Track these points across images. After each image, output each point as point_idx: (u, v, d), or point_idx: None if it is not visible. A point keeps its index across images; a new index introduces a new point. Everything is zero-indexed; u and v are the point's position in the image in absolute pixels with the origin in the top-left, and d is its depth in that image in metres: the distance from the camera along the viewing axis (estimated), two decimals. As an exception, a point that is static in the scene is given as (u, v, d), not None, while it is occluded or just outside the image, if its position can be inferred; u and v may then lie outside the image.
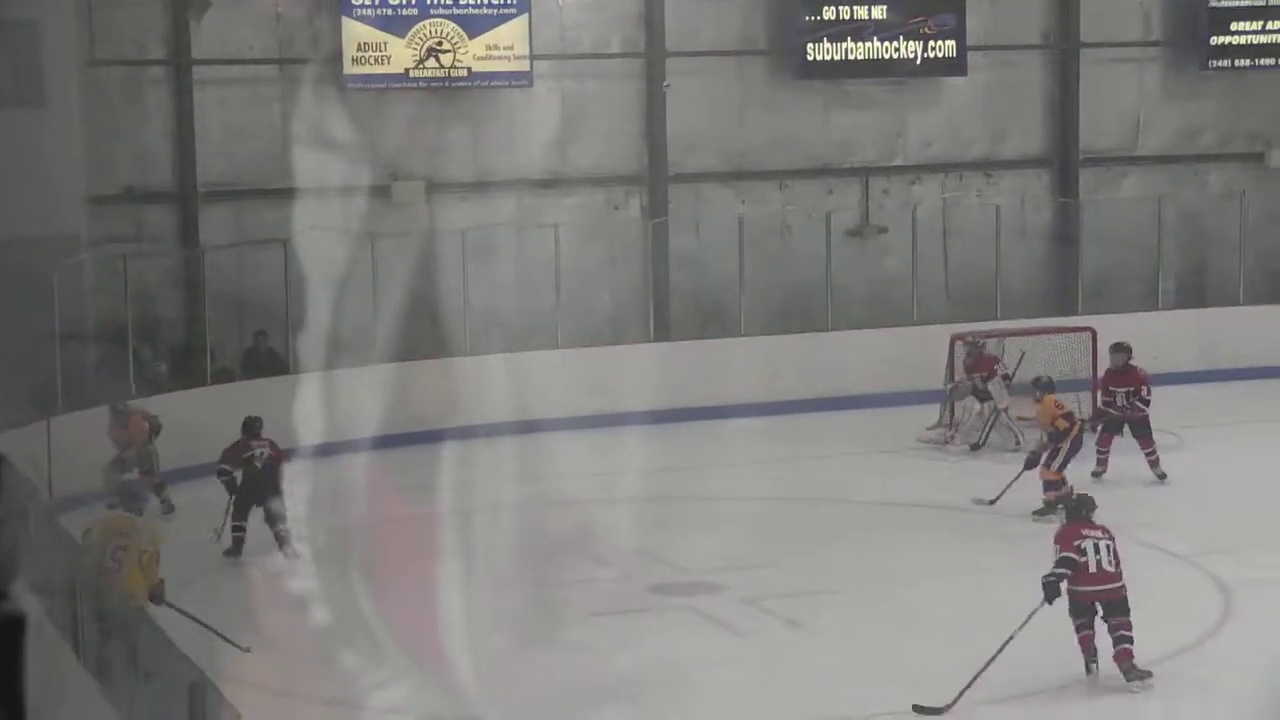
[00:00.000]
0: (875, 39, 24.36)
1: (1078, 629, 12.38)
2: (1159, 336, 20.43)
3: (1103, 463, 18.30)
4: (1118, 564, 12.38)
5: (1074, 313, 24.17)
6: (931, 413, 21.20)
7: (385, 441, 18.68)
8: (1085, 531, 12.49)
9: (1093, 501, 12.86)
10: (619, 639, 13.42)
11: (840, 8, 24.21)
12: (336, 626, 13.41)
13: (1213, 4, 25.73)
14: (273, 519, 15.85)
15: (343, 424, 19.69)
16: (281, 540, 15.76)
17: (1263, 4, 25.88)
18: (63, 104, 19.98)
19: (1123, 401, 18.55)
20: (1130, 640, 12.35)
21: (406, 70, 22.53)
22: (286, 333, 21.03)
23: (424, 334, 21.54)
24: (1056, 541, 12.47)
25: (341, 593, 13.70)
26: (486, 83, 22.94)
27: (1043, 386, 17.73)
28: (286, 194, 22.05)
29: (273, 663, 12.99)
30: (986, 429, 20.38)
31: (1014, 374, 20.71)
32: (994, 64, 25.37)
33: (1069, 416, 17.34)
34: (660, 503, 17.73)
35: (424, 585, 13.95)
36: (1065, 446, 17.04)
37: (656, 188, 24.06)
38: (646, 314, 23.41)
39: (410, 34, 22.50)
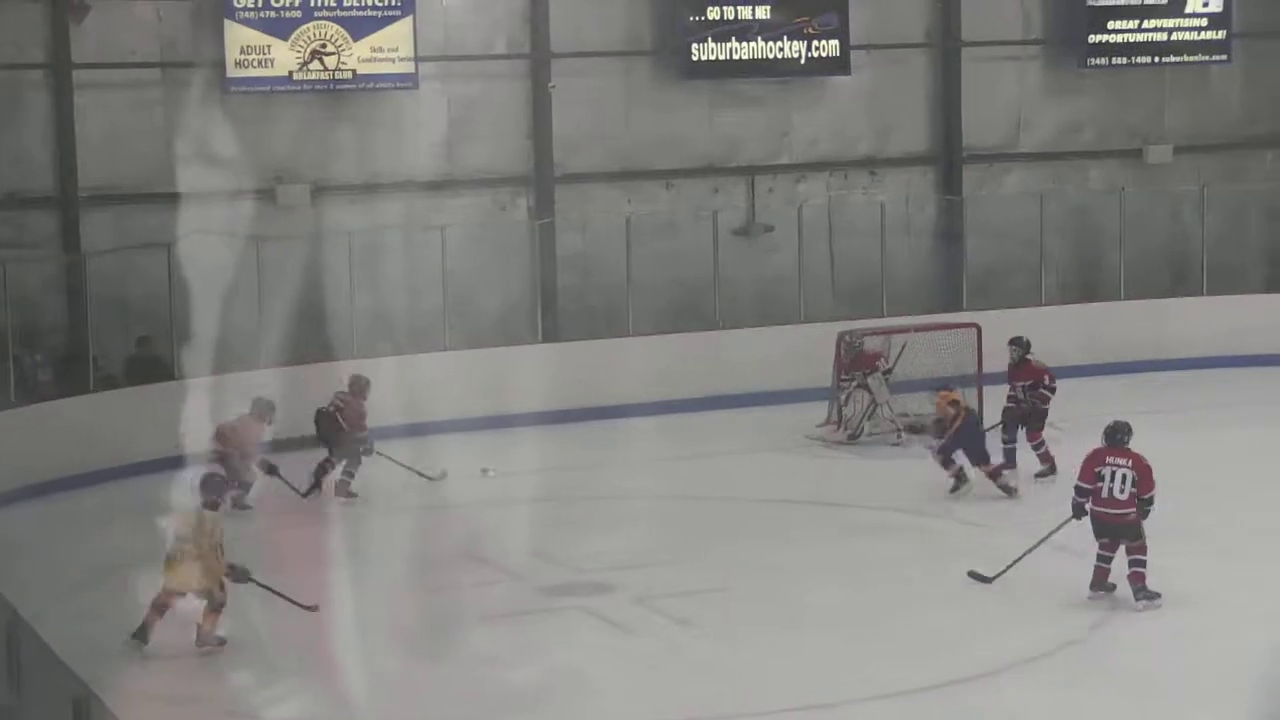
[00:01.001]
0: (759, 39, 24.47)
1: (1098, 551, 13.91)
2: (1043, 331, 20.57)
3: (1044, 455, 18.58)
4: (1130, 493, 13.75)
5: (959, 308, 24.40)
6: (820, 410, 21.35)
7: (273, 447, 18.53)
8: (1109, 459, 13.92)
9: (1128, 427, 14.13)
10: (513, 644, 13.42)
11: (724, 8, 24.30)
12: (231, 636, 13.34)
13: (1091, 3, 26.04)
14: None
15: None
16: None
17: (1139, 3, 26.23)
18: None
19: (1022, 395, 18.82)
20: (1141, 564, 13.75)
21: (290, 73, 22.38)
22: (171, 338, 20.83)
23: (311, 338, 21.40)
24: (1084, 464, 13.99)
25: (234, 601, 13.60)
26: (371, 85, 22.84)
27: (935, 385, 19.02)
28: (170, 198, 21.87)
29: (163, 672, 12.91)
30: (861, 420, 20.58)
31: (893, 368, 20.91)
32: (877, 62, 25.55)
33: (954, 404, 18.00)
34: (552, 504, 17.74)
35: (316, 593, 13.90)
36: (952, 429, 17.78)
37: (543, 188, 24.05)
38: (535, 315, 23.40)
39: (293, 36, 22.36)
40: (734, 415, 21.54)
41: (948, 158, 26.03)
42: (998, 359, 20.30)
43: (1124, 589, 13.94)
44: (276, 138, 22.45)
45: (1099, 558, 14.05)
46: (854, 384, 20.88)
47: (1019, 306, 24.27)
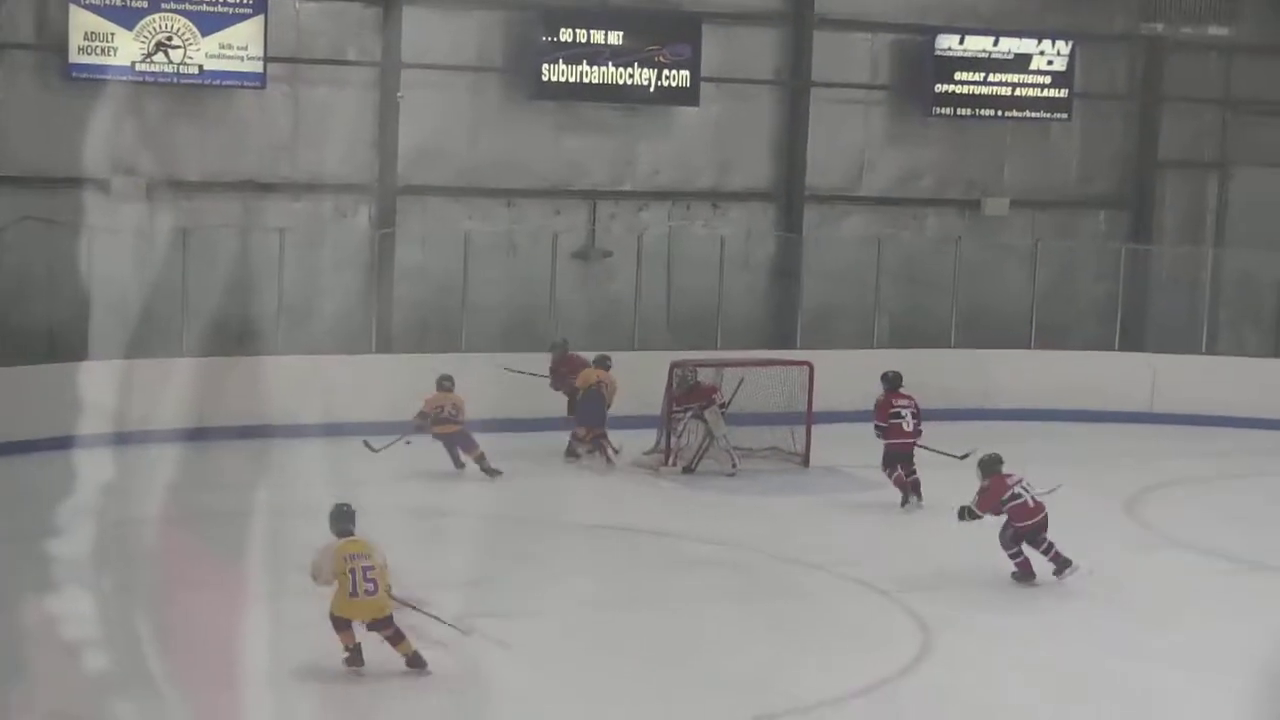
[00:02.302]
0: (610, 64, 24.53)
1: (1015, 555, 15.78)
2: (871, 374, 20.80)
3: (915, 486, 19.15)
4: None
5: (793, 346, 24.60)
6: (649, 437, 21.40)
7: (82, 441, 18.20)
8: (1010, 481, 15.85)
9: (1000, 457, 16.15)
10: (326, 653, 13.27)
11: (577, 31, 24.33)
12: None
13: (939, 53, 26.40)
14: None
15: (42, 421, 19.23)
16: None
17: (986, 57, 26.63)
18: None
19: (907, 426, 19.30)
20: (1054, 545, 15.82)
21: (133, 63, 22.06)
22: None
23: (138, 333, 21.05)
24: (984, 494, 15.88)
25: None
26: (217, 81, 22.57)
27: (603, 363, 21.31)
28: (1, 181, 21.49)
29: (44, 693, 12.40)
30: (699, 454, 20.69)
31: (730, 402, 21.04)
32: (726, 96, 25.71)
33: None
34: (369, 516, 17.56)
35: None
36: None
37: (385, 198, 23.91)
38: (370, 325, 23.23)
39: (139, 26, 22.04)
40: (560, 437, 21.49)
41: (789, 196, 26.23)
42: (829, 397, 20.47)
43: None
44: (115, 128, 22.09)
45: (1018, 555, 15.92)
46: (689, 415, 20.96)
47: (851, 348, 24.53)
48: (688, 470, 20.62)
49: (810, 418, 21.21)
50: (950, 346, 25.46)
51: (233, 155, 23.07)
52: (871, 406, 19.51)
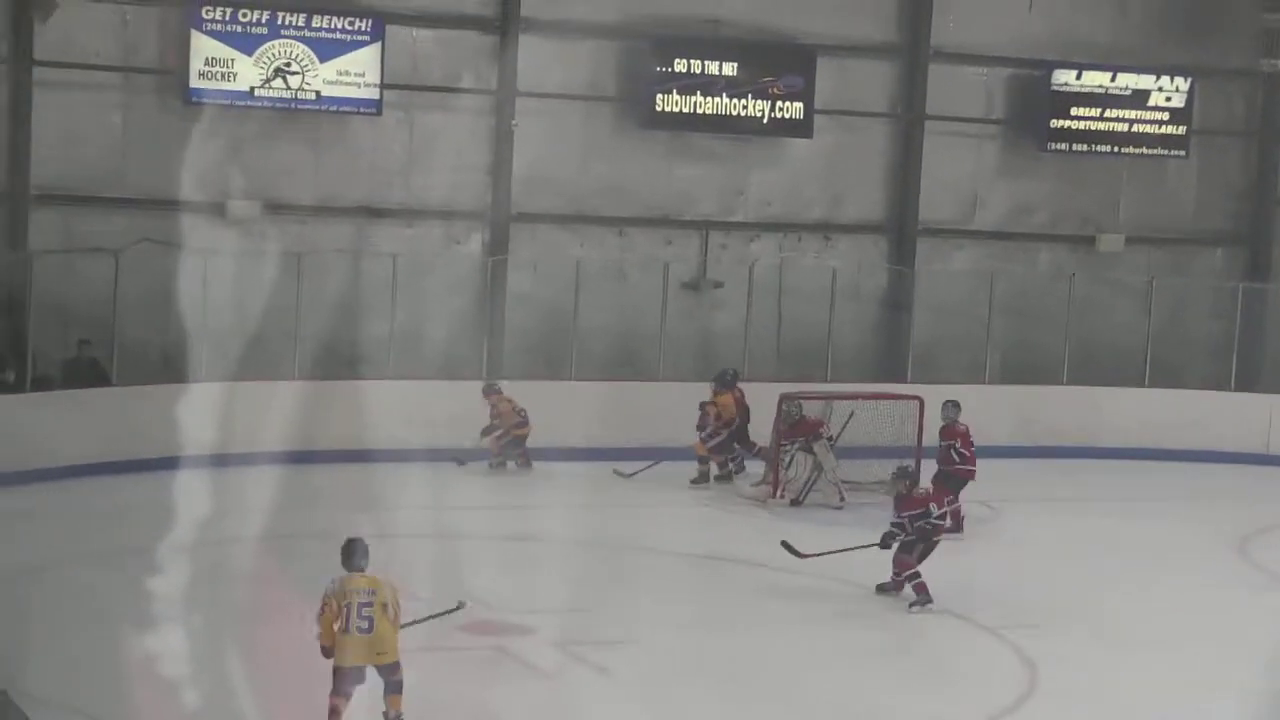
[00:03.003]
0: (724, 95, 24.55)
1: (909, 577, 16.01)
2: (981, 409, 20.68)
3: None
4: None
5: (903, 379, 24.47)
6: (758, 469, 21.35)
7: (207, 461, 18.42)
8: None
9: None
10: (429, 680, 13.30)
11: (691, 61, 24.38)
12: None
13: (1055, 88, 26.24)
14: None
15: (162, 440, 19.45)
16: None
17: (1103, 92, 26.43)
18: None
19: (954, 457, 19.10)
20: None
21: (252, 89, 22.32)
22: (112, 344, 20.70)
23: (252, 355, 21.25)
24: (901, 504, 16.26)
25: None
26: (334, 107, 22.79)
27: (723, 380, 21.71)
28: (121, 203, 21.80)
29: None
30: (807, 488, 20.59)
31: (839, 435, 20.94)
32: (839, 128, 25.66)
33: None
34: (477, 542, 17.65)
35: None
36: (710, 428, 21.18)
37: (498, 225, 24.03)
38: (481, 350, 23.34)
39: (259, 53, 22.31)
40: (669, 468, 21.46)
41: (901, 229, 26.13)
42: (937, 433, 20.37)
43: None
44: (233, 152, 22.35)
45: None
46: (796, 448, 20.87)
47: (960, 383, 24.34)
48: (795, 503, 20.52)
49: (920, 452, 21.04)
50: (1062, 383, 25.22)
51: (347, 180, 23.28)
52: (978, 442, 19.42)
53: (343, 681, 11.92)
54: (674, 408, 22.50)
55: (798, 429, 20.87)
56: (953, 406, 19.87)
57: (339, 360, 22.32)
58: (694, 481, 21.36)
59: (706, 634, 15.09)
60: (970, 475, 19.40)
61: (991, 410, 22.59)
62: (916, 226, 26.15)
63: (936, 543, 16.28)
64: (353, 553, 12.34)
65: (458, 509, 18.97)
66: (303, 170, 23.01)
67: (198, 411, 19.38)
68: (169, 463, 18.85)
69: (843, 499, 20.54)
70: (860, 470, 21.00)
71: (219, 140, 22.21)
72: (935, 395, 21.73)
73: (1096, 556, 18.42)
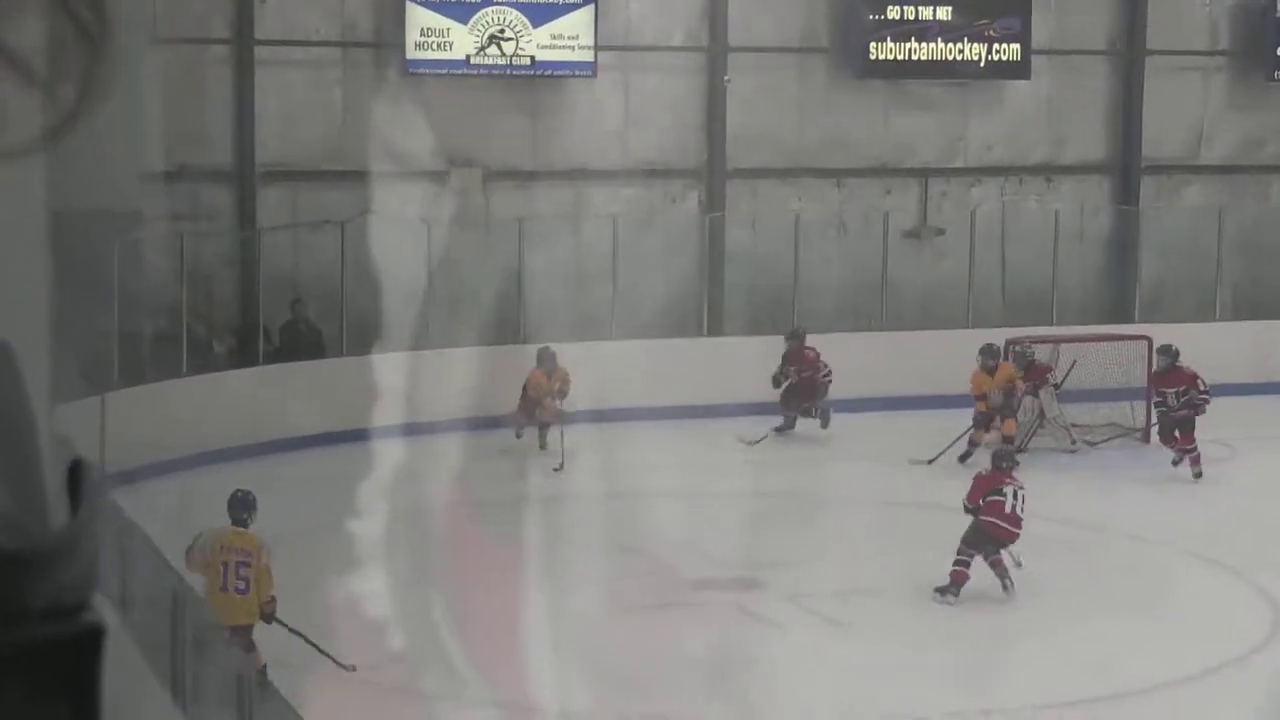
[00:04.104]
0: (939, 40, 24.26)
1: (958, 562, 14.35)
2: (1214, 347, 20.28)
3: (1194, 460, 18.71)
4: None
5: (1130, 320, 24.03)
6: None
7: (436, 428, 18.68)
8: (1005, 481, 14.70)
9: (1014, 458, 15.54)
10: (661, 634, 13.40)
11: (905, 8, 24.12)
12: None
13: (1281, 15, 25.56)
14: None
15: (390, 408, 19.72)
16: None
17: (1331, 16, 25.68)
18: (128, 78, 20.02)
19: (1173, 401, 18.79)
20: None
21: (468, 57, 22.54)
22: (341, 316, 21.09)
23: (479, 322, 21.51)
24: (976, 482, 14.91)
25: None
26: (549, 72, 22.93)
27: (991, 354, 20.11)
28: (344, 177, 22.16)
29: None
30: (1029, 435, 20.31)
31: (1063, 382, 20.67)
32: (1058, 69, 25.24)
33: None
34: (703, 499, 17.71)
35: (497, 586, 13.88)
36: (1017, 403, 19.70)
37: (715, 183, 24.03)
38: (701, 309, 23.39)
39: (473, 21, 22.52)
40: (894, 418, 21.32)
41: (1125, 168, 25.64)
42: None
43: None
44: (451, 121, 22.60)
45: (961, 563, 14.50)
46: (1023, 393, 20.62)
47: (1191, 321, 23.88)
48: (1019, 450, 20.21)
49: (1150, 393, 20.67)
50: (1298, 318, 24.61)
51: (565, 144, 23.42)
52: (1212, 381, 19.06)
53: (243, 637, 11.30)
54: (899, 358, 22.32)
55: (1027, 375, 20.59)
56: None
57: (564, 323, 22.47)
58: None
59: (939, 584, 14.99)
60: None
61: (1225, 348, 22.10)
62: (1141, 165, 25.63)
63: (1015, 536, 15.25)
64: (237, 504, 11.61)
65: (683, 466, 19.02)
66: (521, 136, 23.21)
67: (429, 379, 19.63)
68: (410, 429, 19.01)
69: (1074, 442, 20.27)
70: (1089, 413, 20.70)
71: (437, 110, 22.47)
72: (1164, 335, 21.34)
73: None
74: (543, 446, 19.37)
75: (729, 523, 16.79)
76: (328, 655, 11.86)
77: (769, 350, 21.42)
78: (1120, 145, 25.62)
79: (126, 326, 18.82)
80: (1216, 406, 19.05)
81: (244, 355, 21.00)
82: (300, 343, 21.22)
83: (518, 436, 19.88)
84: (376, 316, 21.68)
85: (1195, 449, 18.63)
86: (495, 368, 20.58)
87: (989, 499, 14.60)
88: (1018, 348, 20.86)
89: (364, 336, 21.16)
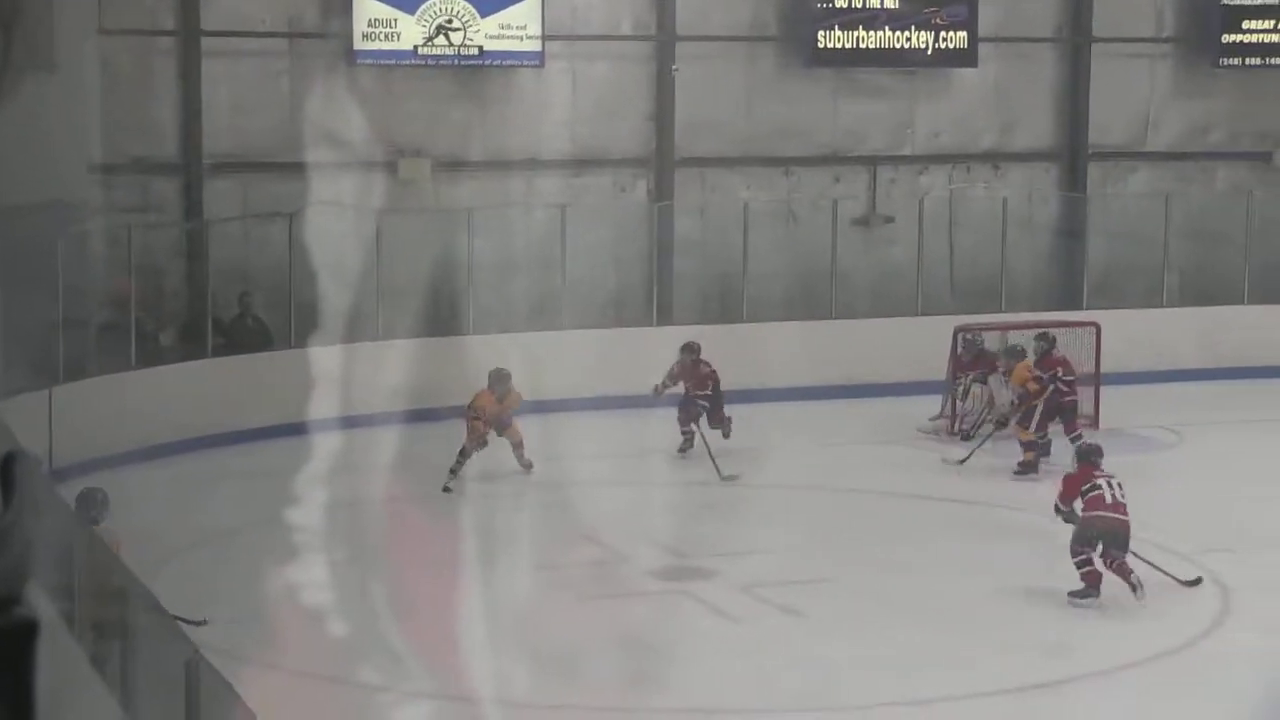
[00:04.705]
0: (886, 28, 24.30)
1: (1081, 563, 13.80)
2: (1162, 332, 20.39)
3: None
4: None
5: (1079, 307, 24.12)
6: (933, 404, 21.20)
7: (384, 419, 18.63)
8: (1095, 474, 14.15)
9: (1101, 450, 14.64)
10: (615, 624, 13.40)
11: (853, -4, 24.16)
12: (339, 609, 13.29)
13: (1225, 2, 25.65)
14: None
15: (339, 400, 19.66)
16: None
17: (1275, 3, 25.81)
18: (72, 71, 19.90)
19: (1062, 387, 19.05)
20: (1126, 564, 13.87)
21: (415, 47, 22.47)
22: (290, 308, 20.99)
23: (427, 313, 21.48)
24: (1066, 483, 14.27)
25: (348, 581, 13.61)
26: (498, 62, 22.88)
27: (1015, 355, 19.29)
28: (292, 168, 22.01)
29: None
30: (979, 419, 20.36)
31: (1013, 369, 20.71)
32: (1005, 56, 25.31)
33: (1039, 379, 18.63)
34: (660, 489, 17.72)
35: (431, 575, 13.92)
36: (1039, 405, 18.57)
37: (663, 171, 24.02)
38: (650, 298, 23.38)
39: (420, 11, 22.44)
40: (844, 406, 21.38)
41: (1072, 155, 25.74)
42: (1117, 358, 20.04)
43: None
44: (399, 112, 22.55)
45: (1084, 564, 13.90)
46: (971, 380, 20.69)
47: (1139, 307, 24.00)
48: (966, 436, 20.30)
49: (1099, 378, 20.78)
50: (1244, 303, 24.74)
51: (513, 134, 23.37)
52: (1160, 365, 19.12)
53: None
54: (849, 346, 22.43)
55: (977, 362, 20.66)
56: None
57: (514, 313, 22.44)
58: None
59: (899, 572, 15.02)
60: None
61: (1173, 333, 22.24)
62: (1088, 152, 25.74)
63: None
64: (86, 503, 11.21)
65: (634, 456, 19.03)
66: (469, 126, 23.14)
67: (377, 370, 19.60)
68: (353, 421, 18.99)
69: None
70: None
71: (385, 100, 22.41)
72: (1112, 321, 21.46)
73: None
74: (528, 469, 18.04)
75: (682, 512, 16.79)
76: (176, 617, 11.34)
77: (719, 338, 21.43)
78: (1067, 132, 25.72)
79: (72, 319, 18.69)
80: (1163, 392, 19.16)
81: (193, 348, 20.86)
82: (248, 336, 21.13)
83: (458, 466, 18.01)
84: (324, 308, 21.60)
85: (1081, 437, 18.17)
86: (442, 359, 20.56)
87: (1087, 495, 14.13)
88: (968, 336, 20.92)
89: (312, 329, 21.07)
